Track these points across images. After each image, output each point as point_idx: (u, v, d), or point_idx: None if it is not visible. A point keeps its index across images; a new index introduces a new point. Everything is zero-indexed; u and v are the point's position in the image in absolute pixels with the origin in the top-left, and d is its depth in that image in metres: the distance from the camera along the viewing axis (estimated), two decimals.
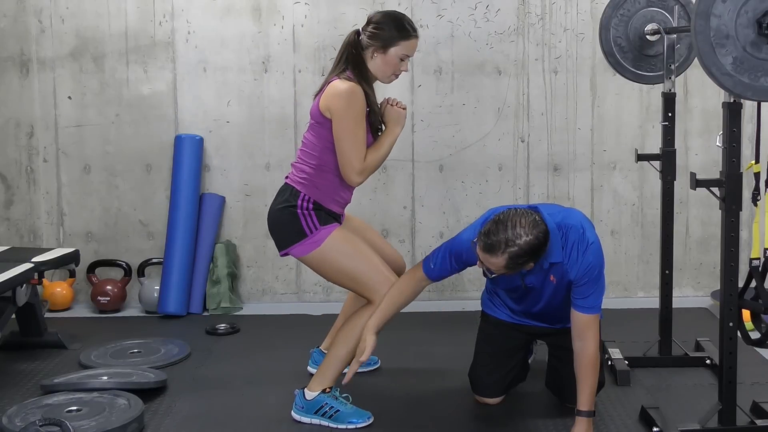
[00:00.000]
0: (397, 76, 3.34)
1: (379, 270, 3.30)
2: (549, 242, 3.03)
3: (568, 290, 3.17)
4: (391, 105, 3.34)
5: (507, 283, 3.29)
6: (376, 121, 3.29)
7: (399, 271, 3.54)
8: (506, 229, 2.92)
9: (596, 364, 3.10)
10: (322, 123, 3.24)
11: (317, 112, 3.26)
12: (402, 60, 3.29)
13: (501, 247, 2.92)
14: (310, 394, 3.30)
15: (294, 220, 3.26)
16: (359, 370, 3.78)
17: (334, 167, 3.26)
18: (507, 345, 3.50)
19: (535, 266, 3.10)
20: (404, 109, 3.35)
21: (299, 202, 3.27)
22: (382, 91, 4.75)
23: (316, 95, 3.33)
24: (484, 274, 3.17)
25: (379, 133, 3.33)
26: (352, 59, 3.26)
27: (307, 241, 3.26)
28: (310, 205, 3.27)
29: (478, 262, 3.08)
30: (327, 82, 3.28)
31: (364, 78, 3.25)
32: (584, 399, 3.07)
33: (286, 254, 3.33)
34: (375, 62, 3.27)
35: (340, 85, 3.20)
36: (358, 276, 3.29)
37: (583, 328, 3.09)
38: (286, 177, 3.38)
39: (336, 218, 3.36)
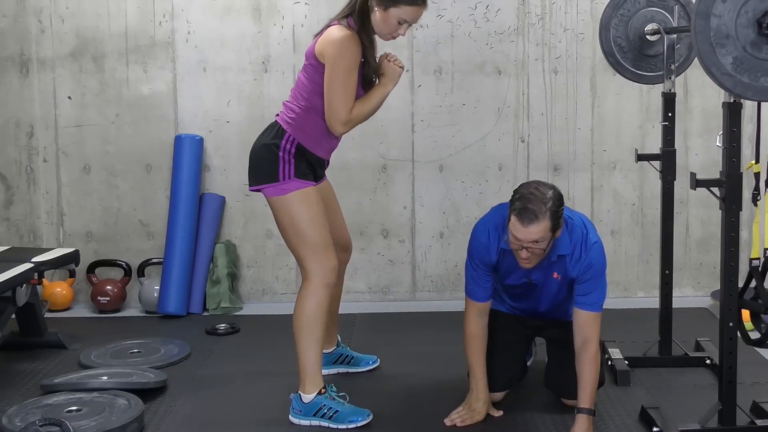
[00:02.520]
0: (394, 38, 3.26)
1: (324, 248, 3.26)
2: (560, 225, 3.08)
3: (570, 288, 3.21)
4: (389, 61, 3.28)
5: (512, 277, 3.30)
6: (369, 73, 3.24)
7: (346, 246, 3.57)
8: (533, 194, 3.02)
9: (597, 362, 3.14)
10: (314, 66, 3.21)
11: (312, 54, 3.23)
12: (400, 24, 3.18)
13: (541, 208, 2.98)
14: (307, 397, 3.29)
15: (273, 161, 3.23)
16: (358, 371, 3.82)
17: (321, 111, 3.22)
18: (506, 340, 3.50)
19: (542, 261, 3.14)
20: (402, 67, 3.30)
21: (283, 143, 3.23)
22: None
23: (315, 36, 3.28)
24: (495, 266, 3.21)
25: (373, 85, 3.27)
26: (359, 7, 3.20)
27: (277, 186, 3.23)
28: (293, 149, 3.23)
29: (522, 257, 3.06)
30: (328, 25, 3.24)
31: (364, 28, 3.19)
32: (585, 397, 3.09)
33: (256, 190, 3.29)
34: (375, 16, 3.19)
35: (337, 32, 3.16)
36: (303, 242, 3.25)
37: (585, 326, 3.14)
38: (277, 114, 3.34)
39: (315, 172, 3.31)
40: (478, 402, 3.30)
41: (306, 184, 3.26)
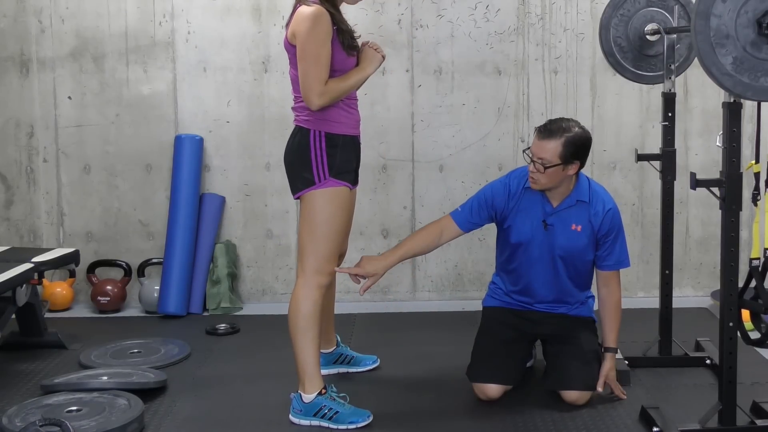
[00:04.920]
0: None
1: (330, 255, 3.28)
2: (586, 159, 3.43)
3: (587, 245, 3.45)
4: (370, 47, 3.29)
5: (528, 223, 3.47)
6: (346, 39, 3.21)
7: (342, 253, 3.57)
8: (561, 121, 3.40)
9: (620, 307, 3.53)
10: (295, 53, 3.20)
11: (288, 43, 3.23)
12: None
13: (559, 131, 3.34)
14: (307, 397, 3.29)
15: (306, 164, 3.23)
16: (358, 371, 3.82)
17: None
18: (509, 335, 3.56)
19: (560, 204, 3.44)
20: (383, 56, 3.30)
21: (311, 142, 3.22)
22: (382, 89, 4.78)
23: (286, 26, 3.27)
24: (509, 213, 3.47)
25: (356, 50, 3.26)
26: None
27: (313, 188, 3.23)
28: (323, 143, 3.23)
29: (530, 166, 3.37)
30: (294, 11, 3.23)
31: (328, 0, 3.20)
32: (611, 337, 3.51)
33: (298, 197, 3.30)
34: None
35: (305, 10, 3.15)
36: (314, 240, 3.25)
37: (608, 278, 3.53)
38: (294, 120, 3.33)
39: (352, 166, 3.32)
40: (370, 263, 3.43)
41: (340, 184, 3.26)
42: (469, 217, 3.54)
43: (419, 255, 3.63)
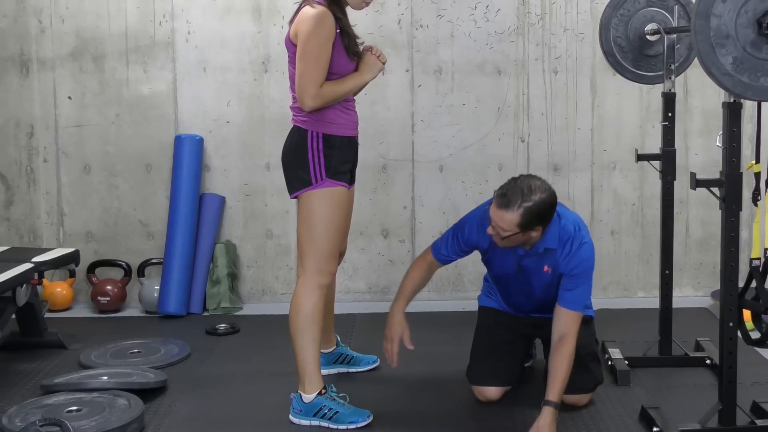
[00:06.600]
0: (367, 4, 3.26)
1: (330, 254, 3.28)
2: (551, 219, 3.16)
3: (558, 286, 3.25)
4: (373, 53, 3.28)
5: (503, 264, 3.36)
6: (350, 44, 3.21)
7: (342, 252, 3.57)
8: (522, 184, 3.08)
9: (572, 360, 3.15)
10: (295, 52, 3.20)
11: (289, 41, 3.22)
12: None
13: (517, 201, 3.04)
14: (307, 398, 3.29)
15: (303, 165, 3.22)
16: (358, 371, 3.82)
17: None
18: (503, 338, 3.55)
19: (531, 249, 3.23)
20: (383, 63, 3.29)
21: (309, 143, 3.22)
22: (382, 89, 4.78)
23: (290, 22, 3.27)
24: (485, 252, 3.35)
25: (359, 56, 3.25)
26: None
27: (310, 188, 3.23)
28: (320, 144, 3.22)
29: (488, 228, 3.15)
30: (298, 10, 3.23)
31: (335, 1, 3.19)
32: (555, 390, 3.09)
33: (296, 197, 3.29)
34: None
35: (310, 10, 3.15)
36: (312, 240, 3.25)
37: (564, 322, 3.19)
38: (292, 119, 3.33)
39: (348, 166, 3.31)
40: (395, 325, 3.41)
41: (337, 184, 3.25)
42: (446, 253, 3.47)
43: (420, 290, 3.56)
